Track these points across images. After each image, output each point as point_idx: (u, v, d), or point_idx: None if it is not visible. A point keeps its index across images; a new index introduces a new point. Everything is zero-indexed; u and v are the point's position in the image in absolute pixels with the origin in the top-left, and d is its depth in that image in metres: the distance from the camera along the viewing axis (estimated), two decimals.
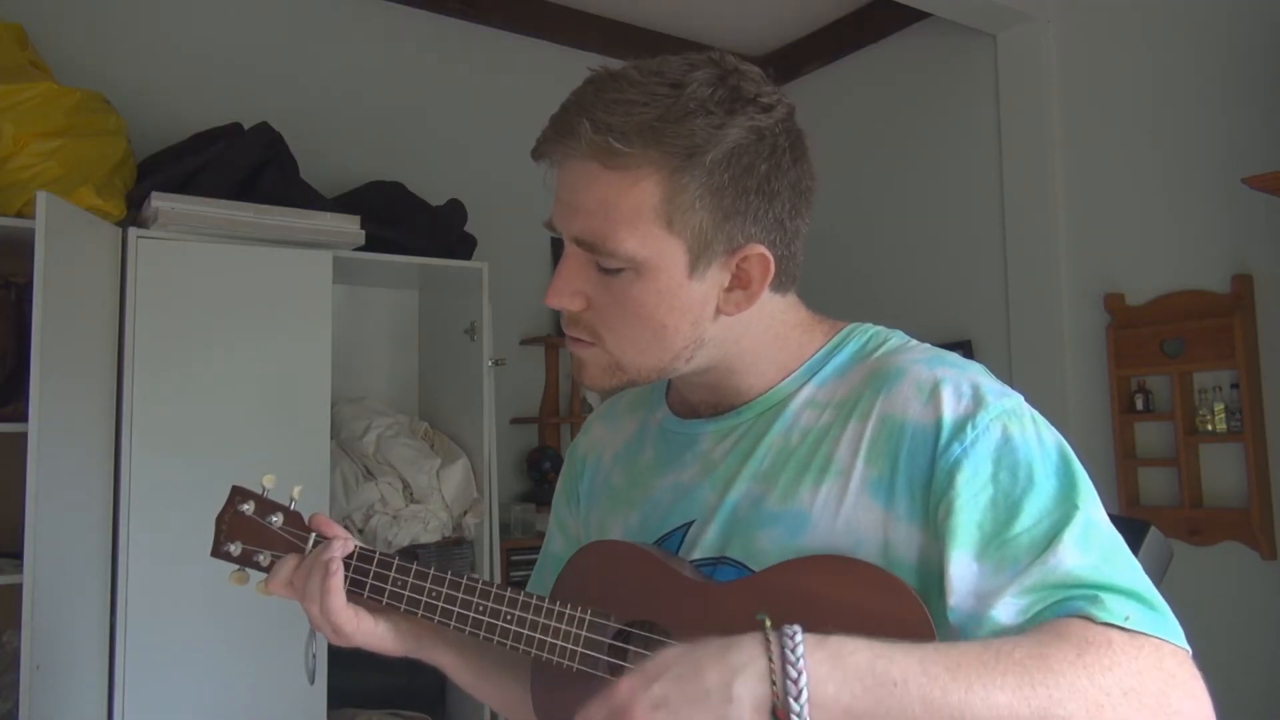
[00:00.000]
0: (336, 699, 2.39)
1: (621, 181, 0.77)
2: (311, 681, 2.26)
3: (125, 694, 2.08)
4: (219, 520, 0.94)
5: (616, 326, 0.82)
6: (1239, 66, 2.54)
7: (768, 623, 0.68)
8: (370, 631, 0.91)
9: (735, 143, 0.77)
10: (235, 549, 0.93)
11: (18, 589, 1.85)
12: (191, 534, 2.09)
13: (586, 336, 0.84)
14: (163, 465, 2.16)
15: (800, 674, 0.64)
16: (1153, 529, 1.13)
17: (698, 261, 0.79)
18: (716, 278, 0.81)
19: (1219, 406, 2.54)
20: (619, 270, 0.80)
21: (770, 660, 0.65)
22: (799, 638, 0.66)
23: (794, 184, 0.82)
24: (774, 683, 0.65)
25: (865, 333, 0.89)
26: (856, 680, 0.65)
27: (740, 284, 0.82)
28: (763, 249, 0.80)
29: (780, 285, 0.86)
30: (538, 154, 0.82)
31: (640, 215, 0.77)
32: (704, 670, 0.66)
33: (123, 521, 2.11)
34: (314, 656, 2.25)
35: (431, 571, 0.88)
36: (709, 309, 0.82)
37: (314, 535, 0.92)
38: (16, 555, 1.94)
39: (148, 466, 2.15)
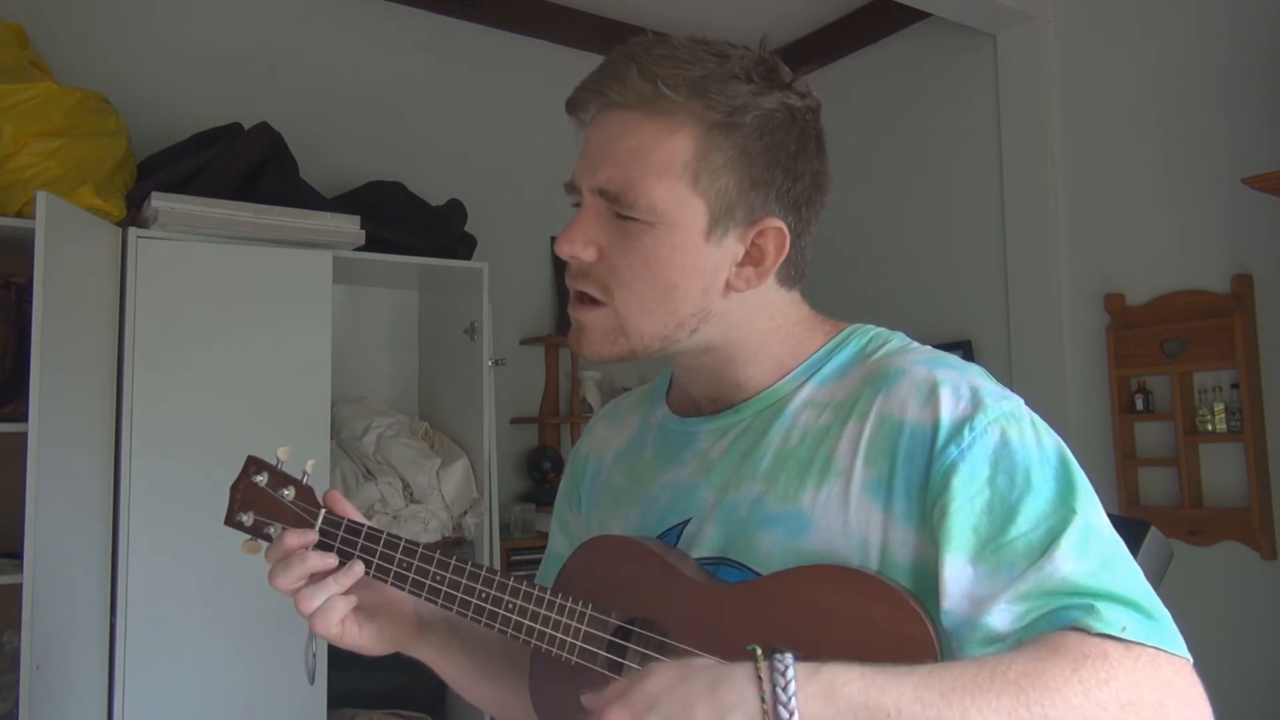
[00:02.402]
0: (336, 699, 2.39)
1: (660, 131, 0.79)
2: (311, 681, 2.26)
3: (125, 694, 2.08)
4: (233, 489, 0.94)
5: (627, 281, 0.81)
6: (1239, 66, 2.54)
7: (759, 654, 0.66)
8: (354, 640, 0.91)
9: (770, 113, 0.80)
10: (248, 519, 0.93)
11: (18, 589, 1.85)
12: (191, 534, 2.12)
13: (595, 291, 0.83)
14: (162, 465, 2.16)
15: (793, 714, 0.64)
16: (1153, 529, 1.13)
17: (716, 225, 0.80)
18: (731, 249, 0.82)
19: (1219, 406, 2.54)
20: (636, 220, 0.80)
21: (763, 701, 0.65)
22: (791, 673, 0.65)
23: (815, 174, 0.84)
24: None
25: (866, 334, 0.89)
26: (849, 714, 0.64)
27: (753, 260, 0.83)
28: (780, 224, 0.82)
29: (788, 279, 0.87)
30: (575, 104, 0.84)
31: (670, 168, 0.79)
32: (695, 708, 0.65)
33: (123, 521, 2.11)
34: (314, 656, 2.25)
35: (436, 555, 0.89)
36: (719, 280, 0.82)
37: (324, 512, 0.92)
38: (16, 555, 1.94)
39: (147, 466, 2.15)
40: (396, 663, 0.97)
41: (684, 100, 0.78)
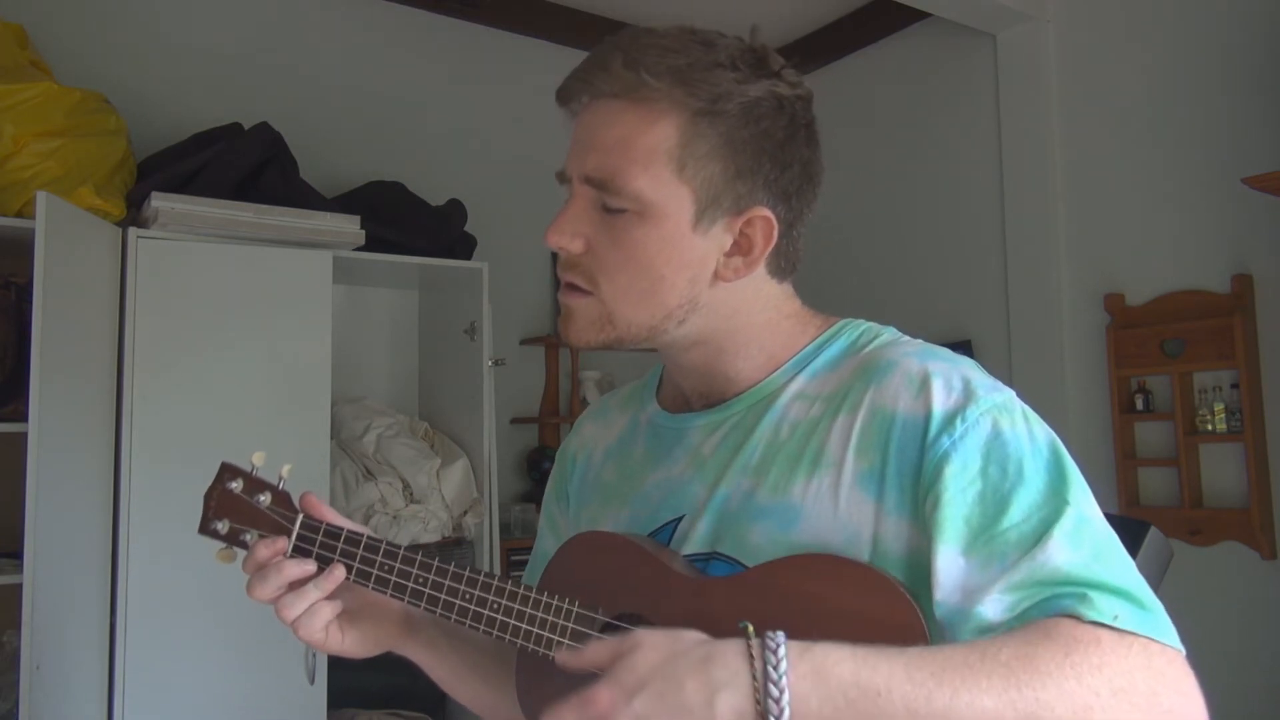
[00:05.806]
0: (336, 699, 2.39)
1: (642, 119, 0.79)
2: (311, 681, 2.25)
3: (125, 694, 2.08)
4: (207, 496, 0.92)
5: (614, 273, 0.81)
6: (1239, 66, 2.54)
7: (750, 630, 0.66)
8: (338, 646, 0.90)
9: (757, 101, 0.79)
10: (223, 527, 0.91)
11: (18, 589, 1.85)
12: (191, 534, 2.11)
13: (582, 282, 0.83)
14: (162, 465, 2.16)
15: (783, 692, 0.63)
16: (1153, 529, 1.12)
17: (703, 215, 0.80)
18: (719, 239, 0.82)
19: (1219, 406, 2.54)
20: (623, 211, 0.80)
21: (754, 678, 0.64)
22: (782, 651, 0.64)
23: (805, 163, 0.83)
24: (757, 701, 0.64)
25: (857, 328, 0.89)
26: (840, 693, 0.64)
27: (741, 250, 0.82)
28: (768, 213, 0.81)
29: (779, 270, 0.86)
30: (564, 94, 0.84)
31: (654, 156, 0.79)
32: (685, 684, 0.65)
33: (123, 521, 2.11)
34: (314, 656, 2.25)
35: (419, 557, 0.87)
36: (707, 270, 0.82)
37: (301, 517, 0.89)
38: (16, 555, 1.94)
39: (147, 466, 2.15)
40: (397, 662, 0.97)
41: (666, 88, 0.78)
